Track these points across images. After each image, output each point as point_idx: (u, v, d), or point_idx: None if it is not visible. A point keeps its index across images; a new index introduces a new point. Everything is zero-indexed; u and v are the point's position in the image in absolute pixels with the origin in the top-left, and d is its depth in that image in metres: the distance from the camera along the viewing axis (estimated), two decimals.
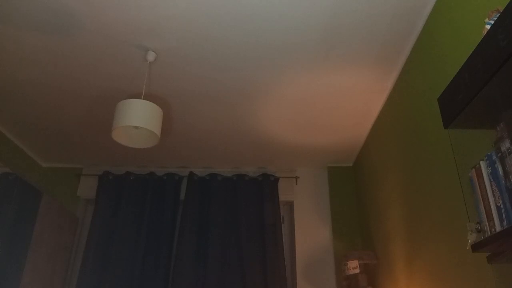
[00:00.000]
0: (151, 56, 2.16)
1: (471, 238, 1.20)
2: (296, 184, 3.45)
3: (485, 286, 1.40)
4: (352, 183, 3.45)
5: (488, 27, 1.12)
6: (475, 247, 1.19)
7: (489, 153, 1.14)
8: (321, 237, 3.27)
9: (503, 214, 1.07)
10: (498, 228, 1.09)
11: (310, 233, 3.29)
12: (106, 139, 3.08)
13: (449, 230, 1.69)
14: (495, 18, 1.08)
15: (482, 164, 1.17)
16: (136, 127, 2.11)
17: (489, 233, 1.13)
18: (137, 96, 2.54)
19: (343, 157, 3.37)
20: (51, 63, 2.27)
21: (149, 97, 2.58)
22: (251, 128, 2.91)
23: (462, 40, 1.56)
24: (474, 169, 1.21)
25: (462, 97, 1.17)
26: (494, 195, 1.12)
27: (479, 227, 1.18)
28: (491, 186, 1.13)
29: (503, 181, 1.07)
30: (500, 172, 1.08)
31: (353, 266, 2.68)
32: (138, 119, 1.99)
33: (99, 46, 2.13)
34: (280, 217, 3.26)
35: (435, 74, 1.81)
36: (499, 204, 1.09)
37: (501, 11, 1.04)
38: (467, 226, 1.23)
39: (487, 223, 1.14)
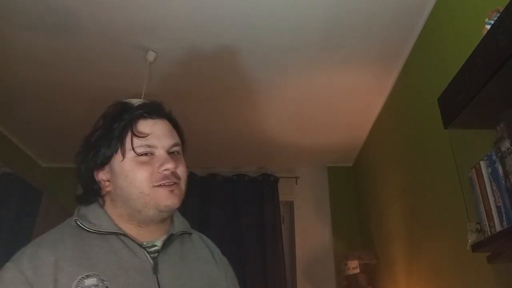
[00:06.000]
0: (151, 56, 2.15)
1: (471, 238, 1.20)
2: (296, 184, 3.45)
3: (485, 286, 1.40)
4: (352, 183, 3.44)
5: (488, 27, 1.12)
6: (475, 247, 1.19)
7: (489, 153, 1.14)
8: (321, 237, 3.27)
9: (503, 214, 1.07)
10: (498, 228, 1.09)
11: (310, 233, 3.29)
12: None
13: (449, 230, 1.69)
14: (495, 18, 1.08)
15: (482, 164, 1.17)
16: None
17: (489, 233, 1.13)
18: (137, 96, 2.53)
19: (343, 157, 3.37)
20: (51, 63, 2.26)
21: (149, 97, 2.57)
22: (251, 128, 2.91)
23: (462, 40, 1.55)
24: (474, 169, 1.21)
25: (462, 97, 1.17)
26: (494, 195, 1.11)
27: (479, 227, 1.18)
28: (491, 186, 1.13)
29: (503, 181, 1.07)
30: (500, 172, 1.08)
31: (353, 266, 2.68)
32: None
33: (99, 46, 2.13)
34: (280, 217, 3.26)
35: (435, 74, 1.80)
36: (499, 204, 1.09)
37: (501, 11, 1.04)
38: (467, 226, 1.23)
39: (487, 223, 1.14)
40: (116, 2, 1.85)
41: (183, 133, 1.03)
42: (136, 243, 0.87)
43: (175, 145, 0.94)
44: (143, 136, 0.89)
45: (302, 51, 2.15)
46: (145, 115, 0.92)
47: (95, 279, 0.77)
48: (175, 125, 0.99)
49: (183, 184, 0.92)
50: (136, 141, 0.88)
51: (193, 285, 0.90)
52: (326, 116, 2.76)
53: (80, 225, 0.87)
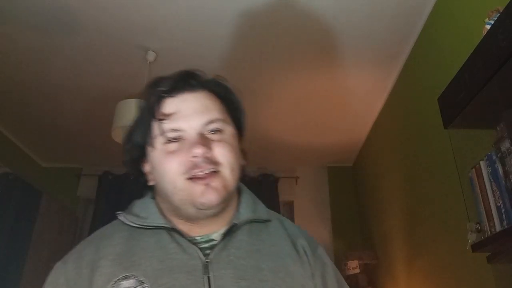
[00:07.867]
0: (151, 56, 2.15)
1: (471, 238, 1.20)
2: (296, 184, 3.44)
3: (485, 286, 1.40)
4: (352, 183, 3.44)
5: (488, 27, 1.12)
6: (475, 247, 1.19)
7: (489, 153, 1.14)
8: (321, 237, 3.27)
9: (503, 214, 1.07)
10: (498, 228, 1.09)
11: (310, 233, 3.28)
12: (106, 139, 3.07)
13: (449, 230, 1.69)
14: (495, 18, 1.08)
15: (482, 164, 1.17)
16: None
17: (489, 233, 1.13)
18: (137, 96, 2.53)
19: (343, 157, 3.37)
20: (51, 63, 2.26)
21: None
22: (251, 128, 2.87)
23: (462, 40, 1.55)
24: (474, 169, 1.21)
25: (462, 97, 1.17)
26: (494, 195, 1.11)
27: (479, 227, 1.18)
28: (491, 186, 1.13)
29: (503, 181, 1.07)
30: (500, 172, 1.08)
31: (353, 266, 2.68)
32: None
33: (99, 46, 2.13)
34: None
35: (435, 74, 1.80)
36: (499, 204, 1.09)
37: (501, 11, 1.04)
38: (467, 226, 1.23)
39: (487, 223, 1.14)
40: (116, 2, 1.85)
41: (237, 102, 0.85)
42: (186, 238, 0.73)
43: (210, 122, 0.74)
44: (164, 118, 0.73)
45: (302, 50, 2.15)
46: (166, 94, 0.75)
47: (133, 280, 0.68)
48: (221, 95, 0.81)
49: (226, 171, 0.74)
50: (161, 126, 0.73)
51: (263, 287, 0.71)
52: (326, 116, 2.76)
53: (123, 219, 0.77)
